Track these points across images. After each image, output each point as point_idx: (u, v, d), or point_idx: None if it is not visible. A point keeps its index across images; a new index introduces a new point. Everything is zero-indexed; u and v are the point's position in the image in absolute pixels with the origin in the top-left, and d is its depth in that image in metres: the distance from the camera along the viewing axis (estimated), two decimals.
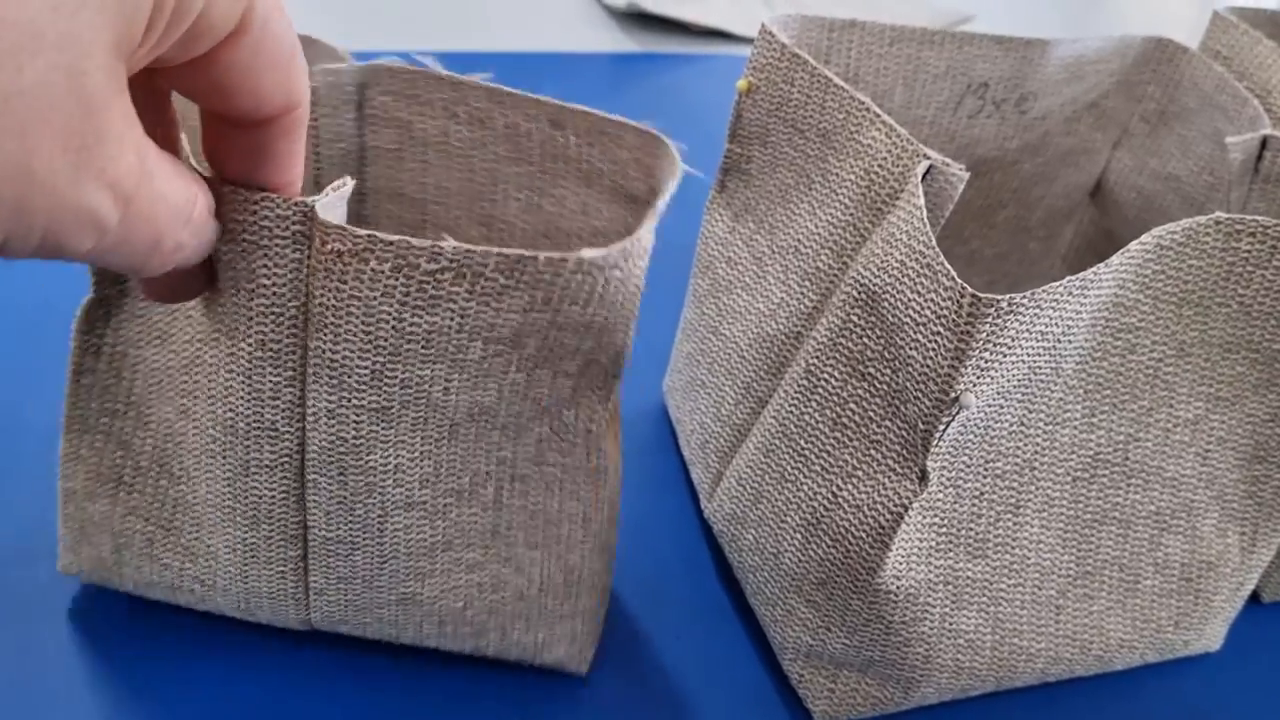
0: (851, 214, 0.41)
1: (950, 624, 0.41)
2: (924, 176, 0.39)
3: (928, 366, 0.35)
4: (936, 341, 0.34)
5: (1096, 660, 0.45)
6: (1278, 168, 0.45)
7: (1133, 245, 0.37)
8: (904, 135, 0.39)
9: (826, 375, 0.40)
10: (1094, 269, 0.35)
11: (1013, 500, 0.40)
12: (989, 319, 0.33)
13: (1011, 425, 0.39)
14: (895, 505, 0.37)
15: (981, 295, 0.33)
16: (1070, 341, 0.37)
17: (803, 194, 0.44)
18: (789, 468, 0.41)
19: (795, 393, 0.41)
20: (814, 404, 0.40)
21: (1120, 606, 0.44)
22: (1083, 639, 0.44)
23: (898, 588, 0.39)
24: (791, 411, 0.41)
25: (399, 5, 0.90)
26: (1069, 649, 0.44)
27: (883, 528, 0.38)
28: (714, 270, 0.48)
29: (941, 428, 0.35)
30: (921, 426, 0.36)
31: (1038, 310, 0.34)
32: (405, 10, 0.89)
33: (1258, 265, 0.39)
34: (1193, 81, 0.49)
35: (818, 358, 0.40)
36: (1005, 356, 0.35)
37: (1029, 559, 0.41)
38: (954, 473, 0.38)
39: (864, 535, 0.38)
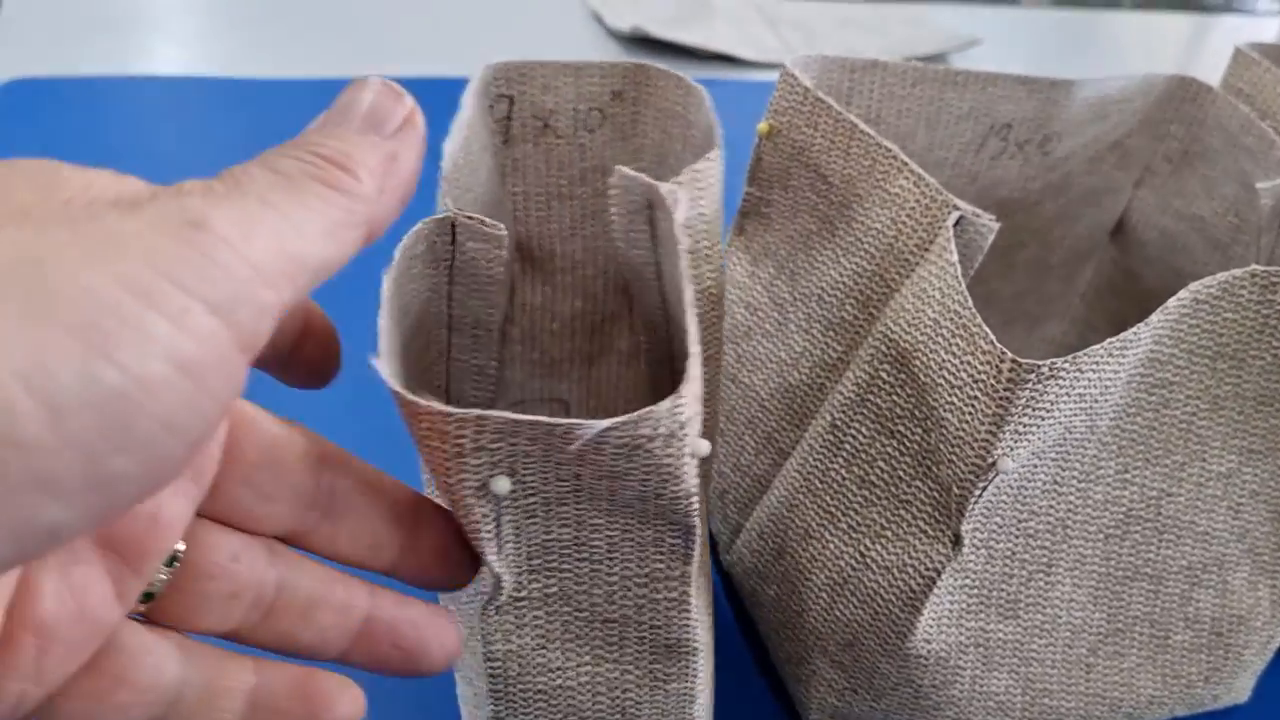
0: (878, 264, 0.40)
1: (981, 687, 0.40)
2: (954, 227, 0.38)
3: (964, 430, 0.34)
4: (974, 406, 0.33)
5: (1126, 717, 0.44)
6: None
7: (1170, 302, 0.36)
8: (933, 185, 0.38)
9: (854, 431, 0.39)
10: (1134, 329, 0.34)
11: (1045, 560, 0.39)
12: (1029, 384, 0.32)
13: (1045, 484, 0.38)
14: (927, 569, 0.36)
15: (1023, 361, 0.32)
16: (1107, 400, 0.36)
17: (825, 241, 0.43)
18: (814, 524, 0.40)
19: (820, 447, 0.40)
20: (840, 460, 0.39)
21: (1151, 663, 0.43)
22: (1113, 696, 0.43)
23: (928, 651, 0.38)
24: (816, 466, 0.40)
25: (401, 30, 0.89)
26: (1099, 707, 0.43)
27: (914, 591, 0.37)
28: (732, 315, 0.47)
29: (977, 493, 0.34)
30: (956, 491, 0.35)
31: (1078, 374, 0.33)
32: (408, 35, 0.88)
33: None
34: (1217, 121, 0.49)
35: (844, 412, 0.39)
36: (1044, 420, 0.34)
37: (1060, 618, 0.40)
38: (986, 534, 0.37)
39: (893, 598, 0.37)
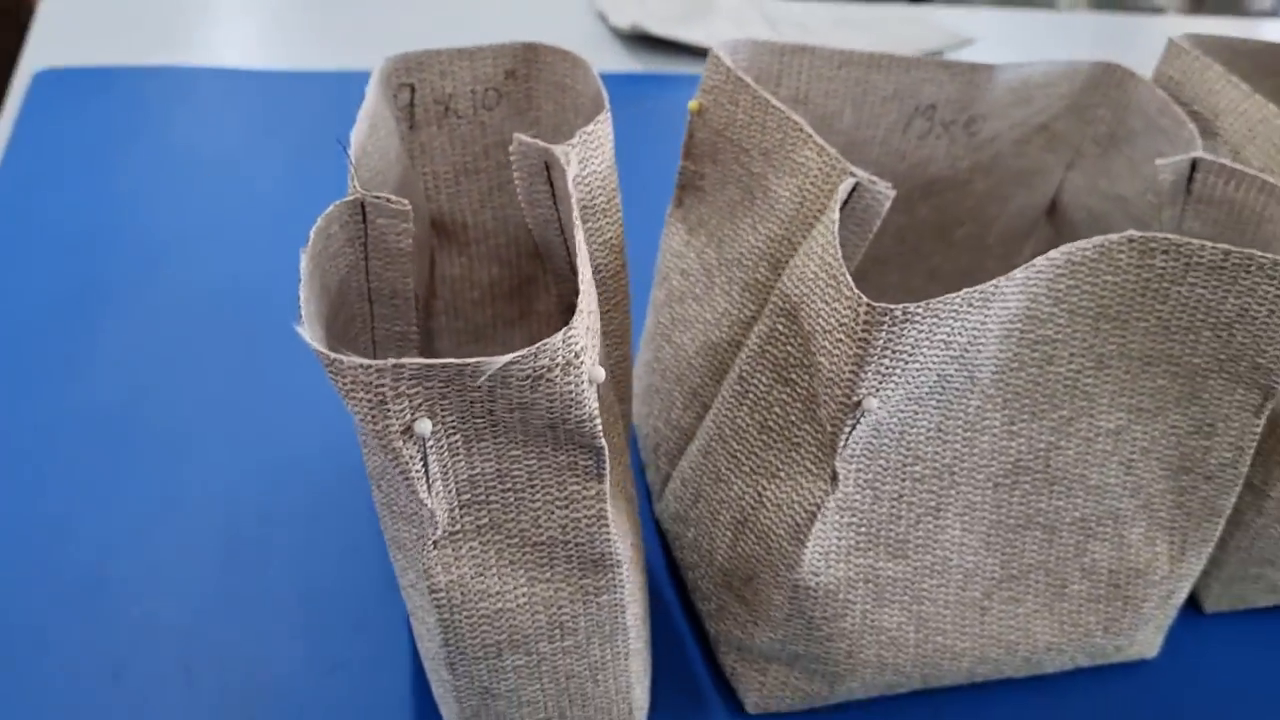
0: (786, 229, 0.43)
1: (872, 621, 0.43)
2: (851, 193, 0.41)
3: (833, 372, 0.37)
4: (840, 348, 0.36)
5: (1024, 662, 0.46)
6: (1208, 188, 0.46)
7: (1039, 260, 0.38)
8: (833, 154, 0.42)
9: (756, 380, 0.42)
10: (994, 281, 0.37)
11: (933, 504, 0.42)
12: (884, 326, 0.35)
13: (928, 431, 0.41)
14: (809, 504, 0.39)
15: (876, 304, 0.35)
16: (981, 351, 0.39)
17: (746, 209, 0.46)
18: (723, 469, 0.44)
19: (730, 397, 0.43)
20: (745, 408, 0.42)
21: (1048, 610, 0.46)
22: (1009, 640, 0.45)
23: (817, 584, 0.41)
24: (726, 415, 0.43)
25: (401, 26, 0.93)
26: (995, 650, 0.45)
27: (799, 525, 0.40)
28: (669, 281, 0.51)
29: (847, 430, 0.37)
30: (829, 429, 0.38)
31: (936, 320, 0.36)
32: (408, 31, 0.92)
33: (1173, 282, 0.41)
34: (1138, 105, 0.51)
35: (749, 364, 0.42)
36: (907, 363, 0.36)
37: (951, 560, 0.43)
38: (871, 475, 0.40)
39: (783, 533, 0.40)
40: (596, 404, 0.33)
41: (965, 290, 0.36)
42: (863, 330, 0.35)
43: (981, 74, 0.50)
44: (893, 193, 0.41)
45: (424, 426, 0.32)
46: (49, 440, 0.52)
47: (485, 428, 0.33)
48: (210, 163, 0.71)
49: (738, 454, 0.43)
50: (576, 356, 0.31)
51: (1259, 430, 0.44)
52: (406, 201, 0.37)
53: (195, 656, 0.44)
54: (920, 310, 0.35)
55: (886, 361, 0.36)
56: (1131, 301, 0.41)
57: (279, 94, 0.79)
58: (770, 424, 0.41)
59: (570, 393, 0.32)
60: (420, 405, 0.31)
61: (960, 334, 0.37)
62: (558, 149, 0.37)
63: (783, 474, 0.41)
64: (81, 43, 0.82)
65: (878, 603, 0.42)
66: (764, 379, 0.41)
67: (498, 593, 0.36)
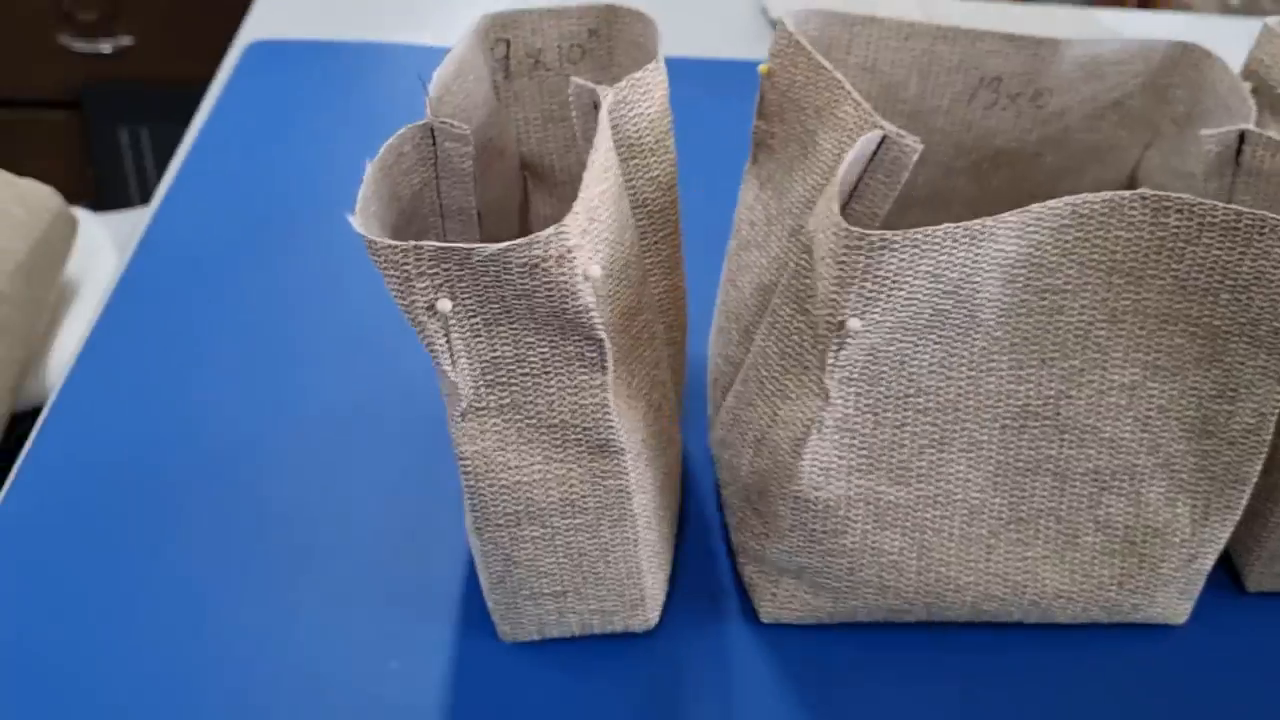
0: (825, 178, 0.47)
1: (872, 542, 0.46)
2: (879, 145, 0.45)
3: (824, 294, 0.41)
4: (829, 272, 0.40)
5: (1032, 606, 0.48)
6: (1256, 161, 0.47)
7: (1035, 207, 0.41)
8: (867, 109, 0.45)
9: (781, 312, 0.46)
10: (981, 220, 0.40)
11: (937, 436, 0.45)
12: (862, 251, 0.39)
13: (930, 365, 0.44)
14: (807, 420, 0.43)
15: (854, 229, 0.38)
16: (979, 291, 0.42)
17: (801, 163, 0.50)
18: (752, 394, 0.48)
19: (764, 329, 0.48)
20: (772, 338, 0.47)
21: (1058, 557, 0.48)
22: (1016, 581, 0.48)
23: (816, 498, 0.45)
24: (760, 346, 0.48)
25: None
26: (1000, 588, 0.48)
27: (798, 440, 0.44)
28: (740, 232, 0.55)
29: (834, 349, 0.41)
30: (818, 347, 0.42)
31: (916, 250, 0.39)
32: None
33: (1188, 241, 0.42)
34: (1211, 85, 0.52)
35: (779, 298, 0.46)
36: (891, 290, 0.40)
37: (956, 494, 0.46)
38: (872, 400, 0.44)
39: (786, 447, 0.44)
40: (592, 298, 0.38)
41: (948, 225, 0.39)
42: (843, 253, 0.39)
43: (1047, 48, 0.52)
44: (920, 147, 0.44)
45: (445, 305, 0.38)
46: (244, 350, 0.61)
47: (501, 313, 0.39)
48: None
49: (763, 379, 0.47)
50: (569, 252, 0.37)
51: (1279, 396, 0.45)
52: (466, 127, 0.43)
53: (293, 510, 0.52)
54: (898, 238, 0.39)
55: (869, 285, 0.39)
56: (1146, 258, 0.43)
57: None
58: (788, 350, 0.45)
59: (565, 284, 0.37)
60: (441, 285, 0.38)
61: (950, 269, 0.40)
62: (600, 88, 0.42)
63: (793, 395, 0.45)
64: (303, 18, 0.94)
65: (878, 525, 0.46)
66: (787, 310, 0.45)
67: (516, 466, 0.42)
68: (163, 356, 0.60)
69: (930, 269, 0.40)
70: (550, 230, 0.36)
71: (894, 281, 0.40)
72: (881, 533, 0.46)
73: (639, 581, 0.46)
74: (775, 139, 0.53)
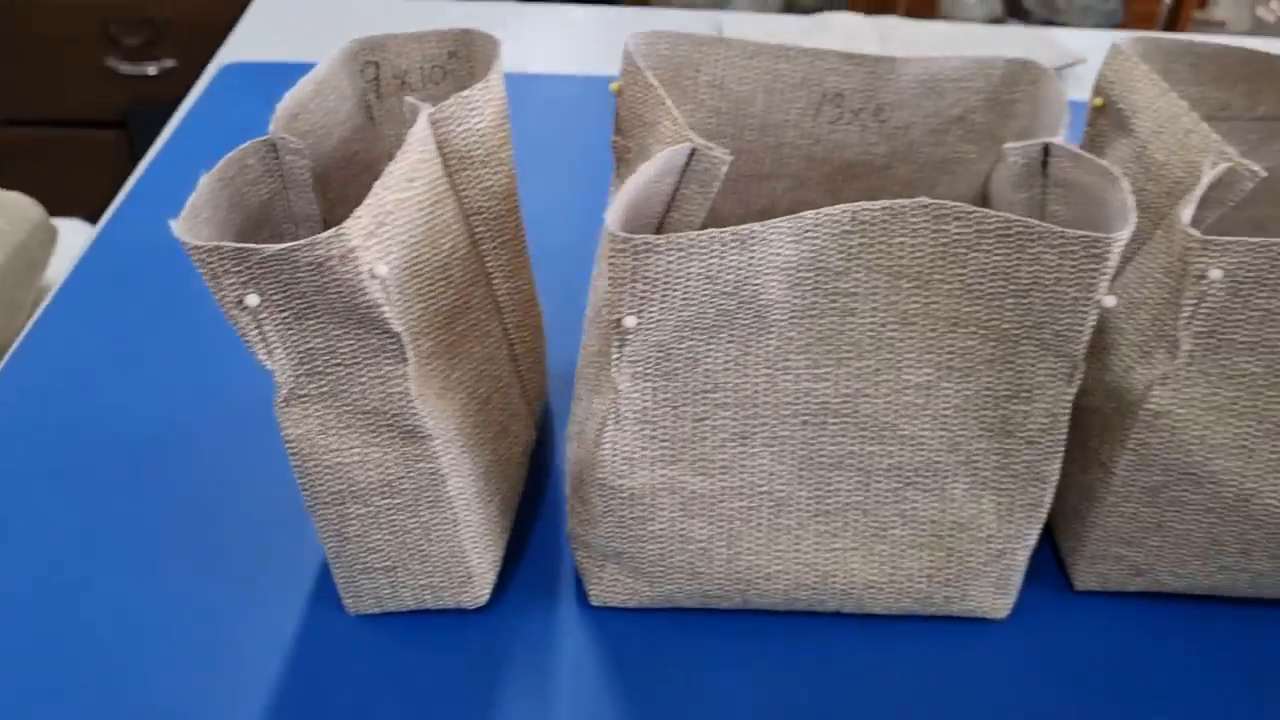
0: None
1: (680, 529, 0.49)
2: (690, 157, 0.48)
3: (603, 295, 0.44)
4: (605, 274, 0.43)
5: (844, 595, 0.51)
6: (1061, 172, 0.49)
7: (810, 213, 0.44)
8: (681, 123, 0.49)
9: (599, 312, 0.49)
10: (750, 225, 0.43)
11: (738, 430, 0.48)
12: (627, 254, 0.42)
13: (725, 362, 0.46)
14: (604, 413, 0.46)
15: (618, 234, 0.42)
16: (762, 293, 0.44)
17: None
18: (580, 389, 0.51)
19: (587, 328, 0.51)
20: (592, 335, 0.50)
21: (866, 549, 0.50)
22: (825, 570, 0.50)
23: (621, 486, 0.48)
24: (584, 343, 0.51)
25: (530, 38, 1.05)
26: (811, 577, 0.50)
27: (599, 431, 0.47)
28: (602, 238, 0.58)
29: (617, 345, 0.44)
30: (606, 347, 0.45)
31: (682, 253, 0.42)
32: (537, 40, 1.04)
33: (969, 248, 0.45)
34: (1047, 100, 0.54)
35: (600, 297, 0.50)
36: (664, 291, 0.43)
37: (761, 486, 0.49)
38: (670, 395, 0.47)
39: (592, 438, 0.48)
40: (381, 295, 0.42)
41: (715, 229, 0.42)
42: (612, 255, 0.42)
43: (884, 65, 0.55)
44: (729, 158, 0.48)
45: (252, 299, 0.42)
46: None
47: (306, 308, 0.43)
48: None
49: (585, 374, 0.50)
50: (351, 251, 0.41)
51: (1070, 398, 0.47)
52: (302, 142, 0.47)
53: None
54: (661, 242, 0.42)
55: (640, 286, 0.43)
56: (931, 264, 0.45)
57: None
58: (603, 348, 0.48)
59: (351, 281, 0.41)
60: (247, 282, 0.42)
61: (725, 271, 0.43)
62: (424, 106, 0.47)
63: (601, 389, 0.48)
64: (283, 42, 1.00)
65: (685, 513, 0.49)
66: (605, 312, 0.49)
67: (337, 449, 0.46)
68: (98, 349, 0.65)
69: (702, 271, 0.43)
70: (331, 232, 0.40)
71: (666, 282, 0.43)
72: (689, 521, 0.49)
73: (464, 560, 0.49)
74: (630, 152, 0.56)
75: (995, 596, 0.52)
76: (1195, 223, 0.51)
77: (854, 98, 0.56)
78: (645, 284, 0.43)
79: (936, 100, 0.56)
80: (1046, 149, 0.49)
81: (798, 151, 0.57)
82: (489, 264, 0.52)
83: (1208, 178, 0.47)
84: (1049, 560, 0.56)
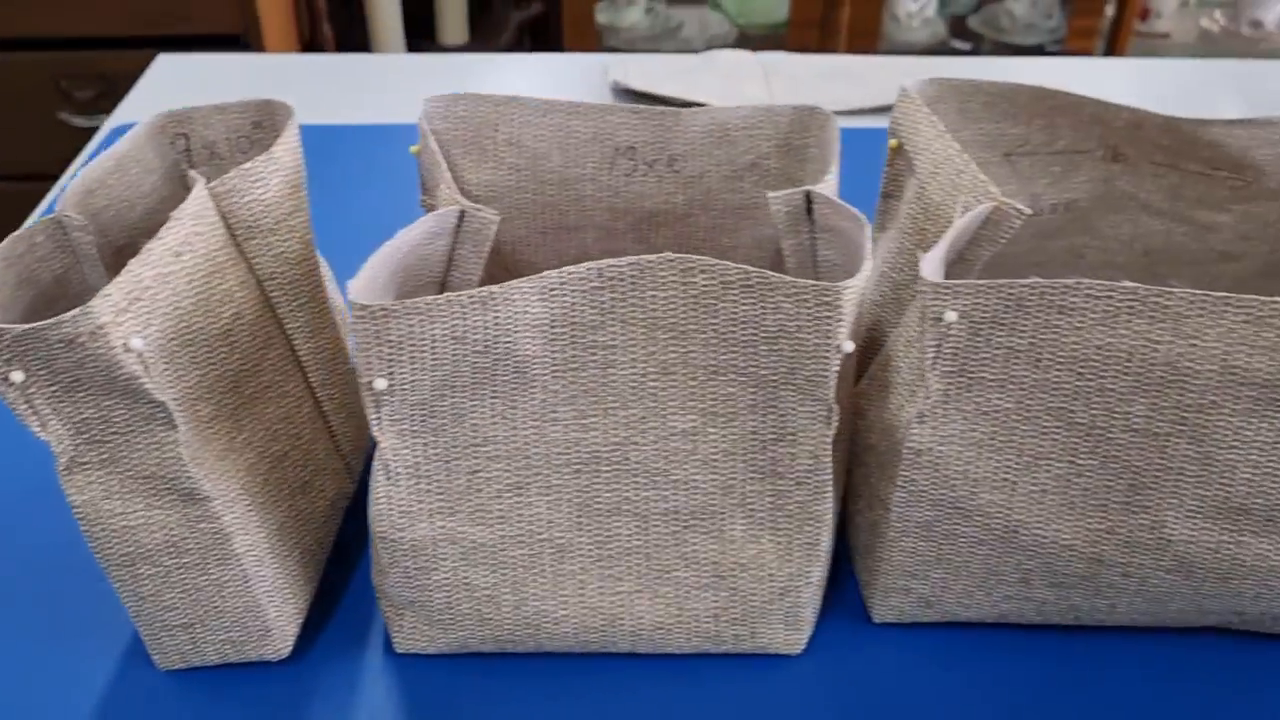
0: None
1: (464, 578, 0.50)
2: (460, 219, 0.50)
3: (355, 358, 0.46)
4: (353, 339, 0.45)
5: (634, 637, 0.52)
6: (825, 218, 0.51)
7: (553, 273, 0.45)
8: (454, 187, 0.50)
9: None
10: (490, 288, 0.44)
11: (512, 480, 0.49)
12: (365, 320, 0.43)
13: (493, 417, 0.48)
14: (376, 467, 0.48)
15: (356, 300, 0.43)
16: (517, 349, 0.46)
17: None
18: None
19: None
20: None
21: (651, 591, 0.51)
22: (611, 614, 0.51)
23: (400, 538, 0.49)
24: None
25: (418, 85, 1.07)
26: (598, 621, 0.51)
27: (373, 486, 0.48)
28: None
29: (373, 406, 0.46)
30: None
31: (422, 317, 0.44)
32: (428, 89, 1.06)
33: (717, 299, 0.46)
34: (830, 144, 0.56)
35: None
36: (413, 354, 0.44)
37: (540, 534, 0.50)
38: (441, 449, 0.48)
39: (371, 493, 0.49)
40: (140, 367, 0.44)
41: (453, 293, 0.44)
42: (354, 322, 0.44)
43: (670, 118, 0.56)
44: (497, 218, 0.50)
45: (17, 376, 0.44)
46: None
47: (74, 381, 0.45)
48: None
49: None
50: (101, 328, 0.42)
51: (830, 440, 0.48)
52: (83, 218, 0.49)
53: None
54: (398, 308, 0.43)
55: (384, 349, 0.44)
56: (684, 315, 0.47)
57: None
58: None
59: (105, 355, 0.43)
60: (10, 359, 0.44)
61: (473, 331, 0.45)
62: (199, 179, 0.49)
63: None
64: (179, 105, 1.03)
65: (467, 563, 0.50)
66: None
67: (122, 513, 0.48)
68: None
69: (448, 333, 0.45)
70: (77, 310, 0.42)
71: (411, 345, 0.44)
72: (472, 570, 0.50)
73: (260, 614, 0.51)
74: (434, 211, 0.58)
75: (787, 633, 0.53)
76: (967, 262, 0.52)
77: (646, 150, 0.57)
78: (390, 348, 0.44)
79: (728, 148, 0.58)
80: (808, 196, 0.51)
81: (599, 203, 0.59)
82: (288, 326, 0.54)
83: (960, 220, 0.48)
84: (855, 594, 0.57)
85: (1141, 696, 0.52)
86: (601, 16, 2.00)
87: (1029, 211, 0.50)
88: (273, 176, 0.51)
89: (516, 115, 0.57)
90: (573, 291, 0.46)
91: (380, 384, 0.45)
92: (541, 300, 0.46)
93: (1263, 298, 0.44)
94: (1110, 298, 0.45)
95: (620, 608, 0.51)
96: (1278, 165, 0.59)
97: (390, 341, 0.44)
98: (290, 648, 0.53)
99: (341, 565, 0.58)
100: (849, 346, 0.46)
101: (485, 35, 2.07)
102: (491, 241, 0.51)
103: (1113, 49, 1.91)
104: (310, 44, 1.98)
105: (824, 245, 0.52)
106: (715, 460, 0.49)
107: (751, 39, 2.03)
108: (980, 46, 2.02)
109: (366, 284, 0.45)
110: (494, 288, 0.45)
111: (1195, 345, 0.45)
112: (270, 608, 0.51)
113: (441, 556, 0.50)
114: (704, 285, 0.46)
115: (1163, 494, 0.48)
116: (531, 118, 0.57)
